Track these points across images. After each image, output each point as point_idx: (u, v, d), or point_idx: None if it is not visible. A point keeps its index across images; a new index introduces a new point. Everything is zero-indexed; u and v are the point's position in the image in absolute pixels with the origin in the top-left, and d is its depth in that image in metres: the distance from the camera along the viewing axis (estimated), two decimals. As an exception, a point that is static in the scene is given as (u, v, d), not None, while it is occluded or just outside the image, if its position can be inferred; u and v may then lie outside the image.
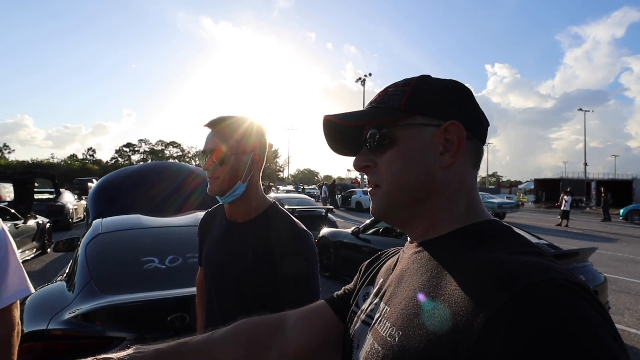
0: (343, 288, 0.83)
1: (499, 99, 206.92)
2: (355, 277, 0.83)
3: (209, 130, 1.26)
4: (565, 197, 17.51)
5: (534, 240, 4.84)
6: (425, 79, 0.66)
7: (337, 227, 8.32)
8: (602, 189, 21.19)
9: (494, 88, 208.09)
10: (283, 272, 1.16)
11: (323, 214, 9.13)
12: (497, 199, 21.01)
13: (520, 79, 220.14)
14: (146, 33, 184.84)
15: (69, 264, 2.72)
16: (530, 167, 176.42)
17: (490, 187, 57.21)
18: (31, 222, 8.08)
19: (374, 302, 0.67)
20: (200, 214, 3.15)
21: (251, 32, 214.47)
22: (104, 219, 2.97)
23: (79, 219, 14.07)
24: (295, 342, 0.73)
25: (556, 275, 0.43)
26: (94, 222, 3.00)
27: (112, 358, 0.62)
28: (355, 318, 0.71)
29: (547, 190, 32.68)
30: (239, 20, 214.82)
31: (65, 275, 2.59)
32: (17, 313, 1.21)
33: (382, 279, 0.70)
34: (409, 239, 0.69)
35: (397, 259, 0.71)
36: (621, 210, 19.90)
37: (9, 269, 1.17)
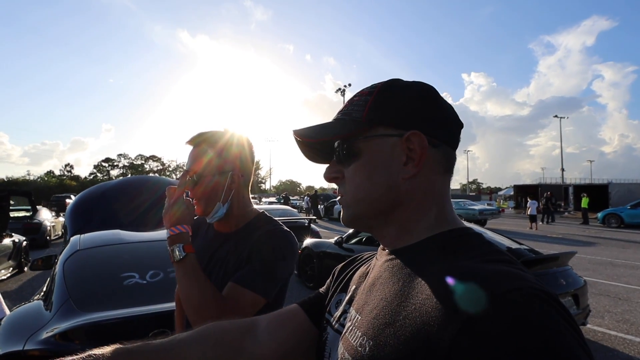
0: (316, 292, 0.82)
1: (476, 107, 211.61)
2: (328, 280, 0.82)
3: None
4: (529, 202, 18.62)
5: (514, 245, 4.93)
6: (389, 85, 0.64)
7: (320, 238, 8.31)
8: (547, 193, 21.70)
9: (472, 96, 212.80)
10: (250, 260, 1.14)
11: (306, 224, 9.13)
12: (478, 206, 21.31)
13: (496, 87, 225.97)
14: (123, 47, 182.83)
15: (47, 282, 2.65)
16: (509, 174, 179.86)
17: (471, 194, 58.10)
18: (7, 241, 7.82)
19: (346, 309, 0.67)
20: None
21: (229, 45, 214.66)
22: (82, 235, 2.91)
23: (56, 237, 13.69)
24: (266, 345, 0.72)
25: (525, 284, 0.44)
26: (71, 238, 2.94)
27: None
28: (328, 326, 0.70)
29: (527, 196, 33.30)
30: (217, 33, 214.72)
31: (42, 294, 2.51)
32: None
33: (354, 286, 0.70)
34: (381, 245, 0.68)
35: (370, 265, 0.70)
36: (599, 214, 20.39)
37: None
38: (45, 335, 1.85)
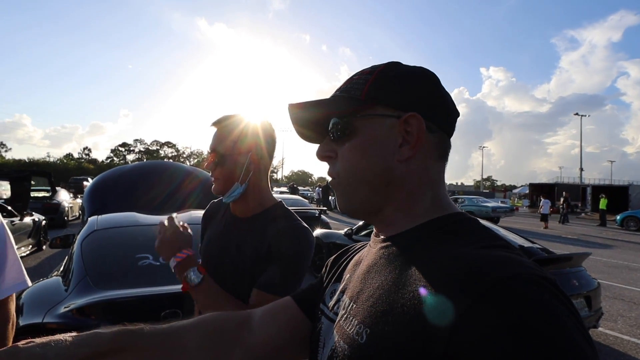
0: (309, 284, 0.81)
1: (494, 102, 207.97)
2: (322, 272, 0.81)
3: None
4: (542, 201, 18.56)
5: (527, 244, 4.88)
6: (391, 67, 0.63)
7: (330, 229, 8.34)
8: (564, 194, 21.39)
9: (489, 91, 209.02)
10: (272, 260, 1.15)
11: (317, 215, 9.17)
12: (491, 203, 21.10)
13: (515, 83, 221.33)
14: (142, 34, 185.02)
15: (65, 260, 2.73)
16: (525, 172, 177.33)
17: (484, 191, 57.43)
18: (27, 220, 8.06)
19: (340, 298, 0.66)
20: (195, 213, 3.19)
21: (246, 34, 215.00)
22: (99, 216, 2.98)
23: (74, 217, 14.03)
24: (259, 338, 0.72)
25: (524, 269, 0.43)
26: (89, 219, 3.01)
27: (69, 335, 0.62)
28: (322, 316, 0.69)
29: (542, 195, 32.79)
30: (234, 21, 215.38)
31: (60, 271, 2.60)
32: (12, 306, 1.23)
33: (348, 275, 0.69)
34: (374, 233, 0.67)
35: (364, 253, 0.69)
36: (618, 217, 19.98)
37: (7, 263, 1.19)
38: (63, 309, 1.92)
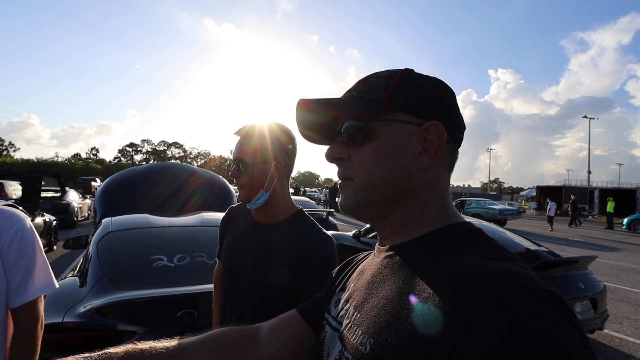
0: (314, 296, 0.82)
1: (502, 104, 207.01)
2: (327, 283, 0.81)
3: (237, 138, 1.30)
4: (549, 203, 18.62)
5: (533, 247, 4.89)
6: (409, 73, 0.63)
7: (337, 230, 8.38)
8: (572, 197, 21.25)
9: (497, 93, 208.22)
10: (305, 277, 1.17)
11: (324, 217, 9.20)
12: (498, 206, 20.98)
13: (523, 85, 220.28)
14: (150, 34, 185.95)
15: (80, 261, 2.80)
16: (532, 174, 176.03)
17: (491, 193, 57.01)
18: (38, 220, 8.18)
19: (344, 307, 0.65)
20: (207, 215, 3.25)
21: (254, 34, 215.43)
22: (113, 218, 3.04)
23: (83, 218, 14.18)
24: (266, 351, 0.73)
25: (528, 282, 0.43)
26: (103, 220, 3.07)
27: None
28: (326, 325, 0.69)
29: (549, 198, 32.52)
30: (242, 22, 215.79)
31: (77, 271, 2.66)
32: (42, 307, 1.28)
33: (352, 284, 0.68)
34: (378, 242, 0.67)
35: (367, 263, 0.69)
36: (624, 220, 19.83)
37: (36, 265, 1.24)
38: (82, 309, 1.97)
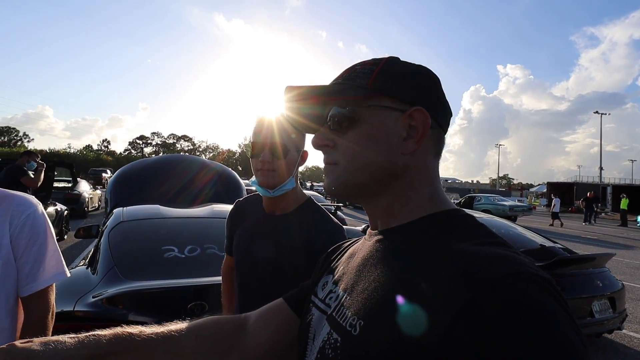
0: (300, 284, 0.81)
1: (511, 100, 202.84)
2: (314, 270, 0.81)
3: (254, 121, 1.28)
4: (553, 199, 19.04)
5: (548, 243, 4.80)
6: (394, 61, 0.64)
7: (346, 225, 8.36)
8: (589, 193, 20.99)
9: (506, 89, 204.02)
10: None
11: (332, 211, 9.17)
12: (508, 202, 20.82)
13: (533, 80, 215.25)
14: (162, 29, 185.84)
15: (92, 250, 2.79)
16: (542, 170, 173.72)
17: (500, 189, 56.59)
18: (50, 209, 8.26)
19: (332, 289, 0.65)
20: (217, 207, 3.22)
21: (263, 30, 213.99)
22: (125, 208, 3.03)
23: (93, 208, 14.34)
24: (253, 341, 0.73)
25: (522, 268, 0.43)
26: (115, 210, 3.06)
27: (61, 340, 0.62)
28: (313, 307, 0.69)
29: (561, 194, 32.26)
30: (252, 17, 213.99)
31: (88, 260, 2.65)
32: (52, 296, 1.24)
33: (341, 267, 0.68)
34: (370, 226, 0.67)
35: (358, 247, 0.69)
36: (639, 217, 19.54)
37: (47, 252, 1.20)
38: (93, 298, 1.96)
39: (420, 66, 0.65)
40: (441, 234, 0.55)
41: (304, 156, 1.28)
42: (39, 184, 6.49)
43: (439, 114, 0.62)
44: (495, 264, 0.44)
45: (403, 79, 0.61)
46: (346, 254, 0.72)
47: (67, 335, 0.63)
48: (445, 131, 0.65)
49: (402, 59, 0.66)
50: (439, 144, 0.64)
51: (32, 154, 6.77)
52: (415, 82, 0.62)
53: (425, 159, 0.62)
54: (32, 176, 6.40)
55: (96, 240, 2.99)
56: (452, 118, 0.67)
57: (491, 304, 0.40)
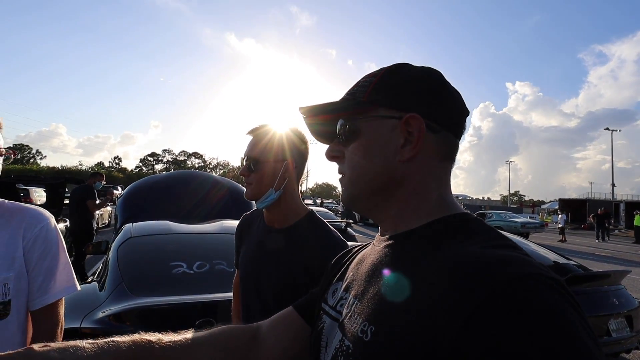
0: (310, 292, 0.82)
1: (520, 117, 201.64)
2: (323, 277, 0.81)
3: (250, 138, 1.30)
4: (559, 216, 19.39)
5: (562, 260, 4.70)
6: (396, 68, 0.64)
7: (356, 242, 8.29)
8: (599, 210, 20.72)
9: (516, 106, 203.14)
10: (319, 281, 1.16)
11: (342, 228, 9.13)
12: (520, 219, 20.55)
13: (542, 97, 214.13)
14: (174, 48, 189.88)
15: (100, 266, 2.79)
16: (554, 187, 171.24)
17: (512, 206, 55.89)
18: (60, 225, 8.35)
19: (343, 296, 0.65)
20: (227, 222, 3.22)
21: (274, 49, 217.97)
22: (134, 224, 3.04)
23: (103, 225, 14.41)
24: (266, 350, 0.74)
25: (532, 270, 0.43)
26: (124, 226, 3.07)
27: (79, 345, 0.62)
28: (324, 314, 0.69)
29: (573, 211, 31.79)
30: (263, 37, 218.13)
31: (96, 276, 2.65)
32: (62, 310, 1.24)
33: (351, 274, 0.68)
34: (379, 231, 0.68)
35: (367, 252, 0.69)
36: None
37: (59, 265, 1.20)
38: (100, 315, 1.95)
39: (423, 69, 0.65)
40: (451, 237, 0.55)
41: (288, 166, 1.26)
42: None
43: (441, 115, 0.61)
44: (506, 266, 0.44)
45: (400, 86, 0.62)
46: (355, 260, 0.72)
47: (86, 341, 0.63)
48: (455, 132, 0.63)
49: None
50: (446, 147, 0.63)
51: (98, 174, 7.05)
52: (413, 87, 0.62)
53: (428, 164, 0.61)
54: (98, 201, 6.68)
55: (105, 256, 2.99)
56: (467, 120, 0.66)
57: (503, 306, 0.40)
